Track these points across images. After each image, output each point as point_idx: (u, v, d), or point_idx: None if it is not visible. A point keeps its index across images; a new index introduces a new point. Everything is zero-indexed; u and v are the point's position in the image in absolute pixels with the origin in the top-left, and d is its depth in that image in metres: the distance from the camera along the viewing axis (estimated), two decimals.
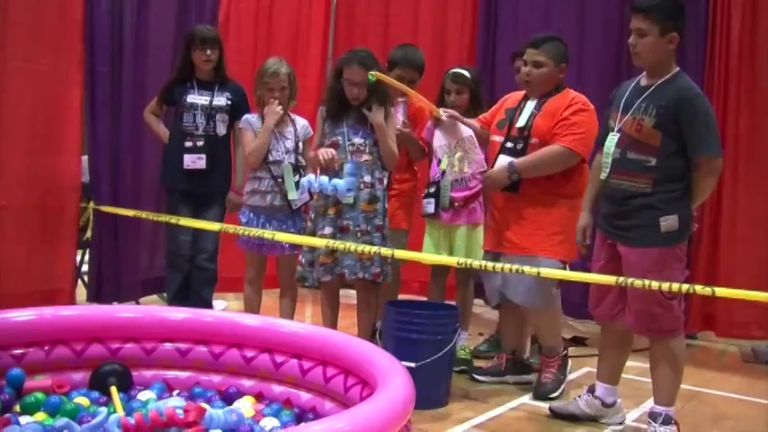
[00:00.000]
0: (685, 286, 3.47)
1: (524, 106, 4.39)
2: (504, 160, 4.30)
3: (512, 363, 4.62)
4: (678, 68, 3.67)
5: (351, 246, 4.23)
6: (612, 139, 3.70)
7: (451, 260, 4.39)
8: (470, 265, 4.16)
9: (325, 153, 4.37)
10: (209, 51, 4.93)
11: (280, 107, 4.63)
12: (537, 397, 4.34)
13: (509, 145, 4.34)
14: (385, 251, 4.23)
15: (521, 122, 4.35)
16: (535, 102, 4.36)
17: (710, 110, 3.62)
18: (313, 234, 4.49)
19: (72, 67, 5.09)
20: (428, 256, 4.68)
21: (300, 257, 4.61)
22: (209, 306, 5.15)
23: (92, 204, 5.33)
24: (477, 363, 4.84)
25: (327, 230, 4.40)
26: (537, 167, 4.25)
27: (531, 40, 4.40)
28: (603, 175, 3.74)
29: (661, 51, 3.60)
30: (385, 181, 4.58)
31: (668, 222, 3.58)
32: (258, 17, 6.57)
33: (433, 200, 4.72)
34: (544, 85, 4.35)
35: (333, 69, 4.66)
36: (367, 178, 4.45)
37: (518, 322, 4.63)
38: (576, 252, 4.19)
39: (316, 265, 4.46)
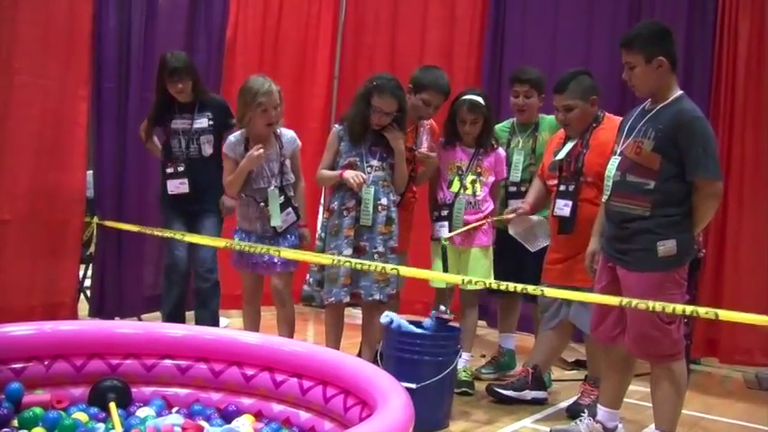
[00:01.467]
0: (689, 308, 3.45)
1: (566, 144, 4.44)
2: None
3: (532, 377, 4.63)
4: (681, 92, 3.66)
5: (370, 265, 4.26)
6: (614, 162, 3.70)
7: (455, 278, 4.38)
8: (474, 284, 4.18)
9: (357, 177, 4.39)
10: (180, 85, 4.91)
11: (260, 151, 4.43)
12: (570, 414, 4.36)
13: (562, 188, 4.37)
14: (404, 270, 4.29)
15: (560, 155, 4.39)
16: (577, 139, 4.39)
17: (710, 133, 3.60)
18: (322, 253, 4.48)
19: (79, 82, 5.11)
20: (437, 275, 4.66)
21: (308, 277, 4.58)
22: (217, 319, 5.16)
23: (95, 219, 5.34)
24: (478, 385, 4.81)
25: (347, 252, 4.40)
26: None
27: (555, 86, 4.41)
28: (605, 198, 3.75)
29: (653, 78, 3.62)
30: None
31: (666, 247, 3.55)
32: (265, 36, 6.60)
33: (446, 223, 4.71)
34: (581, 124, 4.38)
35: (358, 91, 4.56)
36: (384, 201, 4.48)
37: (554, 347, 4.67)
38: None
39: (327, 285, 4.45)
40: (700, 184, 3.55)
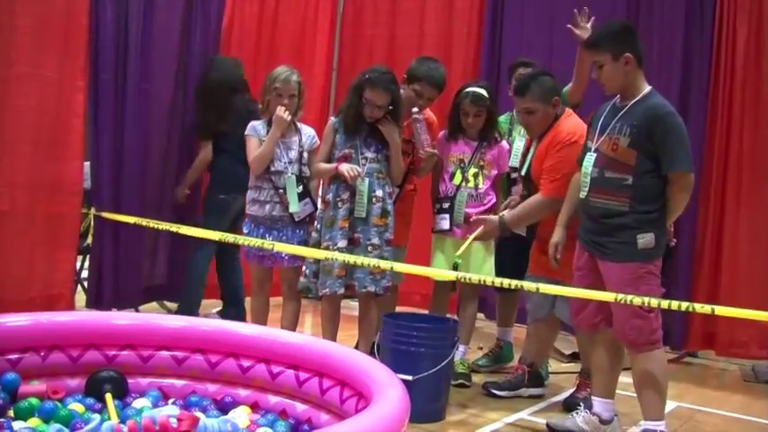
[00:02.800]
0: (685, 304, 3.51)
1: (531, 150, 4.53)
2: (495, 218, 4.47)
3: (529, 375, 4.64)
4: (650, 88, 3.74)
5: (364, 260, 4.25)
6: (590, 159, 3.77)
7: (451, 275, 4.38)
8: (470, 279, 4.17)
9: (352, 170, 4.37)
10: None
11: (287, 114, 4.57)
12: (567, 407, 4.36)
13: (523, 193, 4.52)
14: (398, 267, 4.26)
15: (524, 170, 4.53)
16: (536, 144, 4.48)
17: (682, 127, 3.68)
18: (318, 245, 4.48)
19: (76, 73, 5.09)
20: (436, 271, 4.65)
21: (304, 268, 4.59)
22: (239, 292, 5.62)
23: (93, 211, 5.34)
24: (476, 377, 4.82)
25: (342, 243, 4.40)
26: (525, 218, 4.44)
27: (516, 89, 4.47)
28: (583, 195, 3.81)
29: (621, 75, 3.70)
30: (394, 195, 4.59)
31: (645, 240, 3.65)
32: (261, 28, 6.57)
33: (447, 215, 4.70)
34: (541, 127, 4.43)
35: (352, 83, 4.56)
36: (379, 192, 4.46)
37: (543, 340, 4.69)
38: None
39: (322, 277, 4.44)
40: (675, 176, 3.64)
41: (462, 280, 4.24)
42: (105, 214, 5.32)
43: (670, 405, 4.40)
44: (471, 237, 4.48)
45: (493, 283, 4.16)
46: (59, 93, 5.03)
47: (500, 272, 4.71)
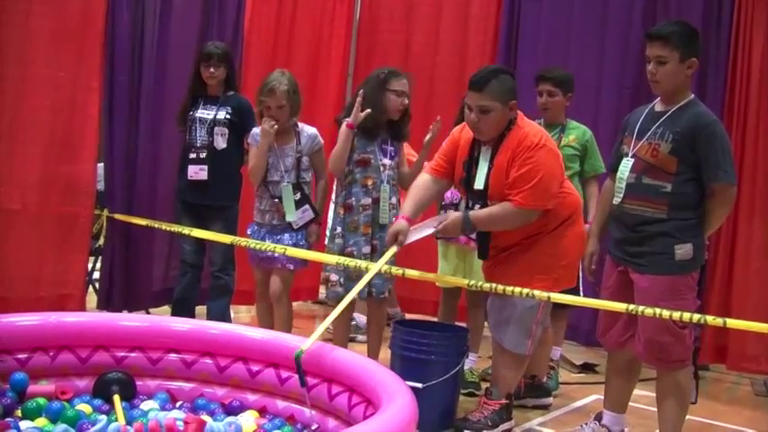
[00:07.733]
0: (696, 316, 3.43)
1: (478, 159, 4.00)
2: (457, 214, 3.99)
3: (530, 386, 4.58)
4: (693, 95, 3.64)
5: (362, 264, 4.20)
6: (627, 165, 3.66)
7: (461, 281, 4.35)
8: (481, 287, 4.12)
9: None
10: (212, 69, 5.00)
11: (272, 125, 4.50)
12: (456, 428, 4.07)
13: (470, 205, 4.06)
14: (395, 270, 4.20)
15: (479, 184, 3.97)
16: (489, 153, 3.96)
17: (727, 137, 3.60)
18: (342, 250, 4.43)
19: (91, 74, 5.11)
20: (441, 277, 4.64)
21: (331, 277, 4.48)
22: (224, 318, 5.11)
23: (105, 212, 5.35)
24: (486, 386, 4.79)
25: (366, 249, 4.40)
26: (492, 224, 3.94)
27: (472, 82, 3.91)
28: (617, 201, 3.70)
29: (681, 78, 3.58)
30: None
31: (683, 251, 3.54)
32: (278, 33, 6.57)
33: None
34: (494, 131, 3.92)
35: (365, 84, 4.52)
36: (394, 200, 4.49)
37: (537, 349, 4.52)
38: (572, 280, 4.15)
39: (347, 283, 4.35)
40: (718, 188, 3.53)
41: (473, 287, 4.19)
42: (118, 216, 5.33)
43: None
44: (425, 230, 4.03)
45: (504, 291, 4.11)
46: (74, 94, 5.05)
47: None
